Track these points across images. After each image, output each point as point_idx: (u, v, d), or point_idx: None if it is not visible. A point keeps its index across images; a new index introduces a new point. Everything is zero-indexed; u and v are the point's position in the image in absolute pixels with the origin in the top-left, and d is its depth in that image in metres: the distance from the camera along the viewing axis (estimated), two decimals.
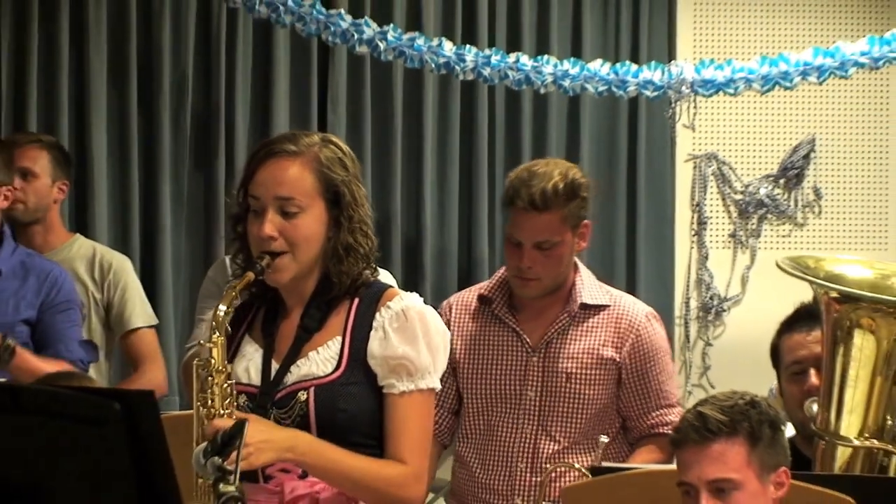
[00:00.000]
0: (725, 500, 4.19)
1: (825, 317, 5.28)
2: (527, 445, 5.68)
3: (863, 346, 5.19)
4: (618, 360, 5.68)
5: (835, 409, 5.24)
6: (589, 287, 5.78)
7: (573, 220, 5.64)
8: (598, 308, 5.74)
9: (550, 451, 5.65)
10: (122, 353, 6.82)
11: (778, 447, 4.30)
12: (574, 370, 5.65)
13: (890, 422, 5.23)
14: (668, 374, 5.82)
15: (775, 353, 5.69)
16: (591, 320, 5.73)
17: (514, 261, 5.69)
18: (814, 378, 5.39)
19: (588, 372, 5.66)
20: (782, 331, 5.65)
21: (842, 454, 5.20)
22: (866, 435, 5.19)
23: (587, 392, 5.64)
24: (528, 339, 5.71)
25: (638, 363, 5.71)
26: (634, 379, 5.70)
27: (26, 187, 6.64)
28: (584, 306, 5.72)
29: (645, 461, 5.61)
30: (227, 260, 5.29)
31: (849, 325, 5.21)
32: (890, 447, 5.15)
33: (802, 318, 5.57)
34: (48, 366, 5.99)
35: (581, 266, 5.83)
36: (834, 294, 5.25)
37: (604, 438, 5.46)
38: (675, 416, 5.63)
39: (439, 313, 5.20)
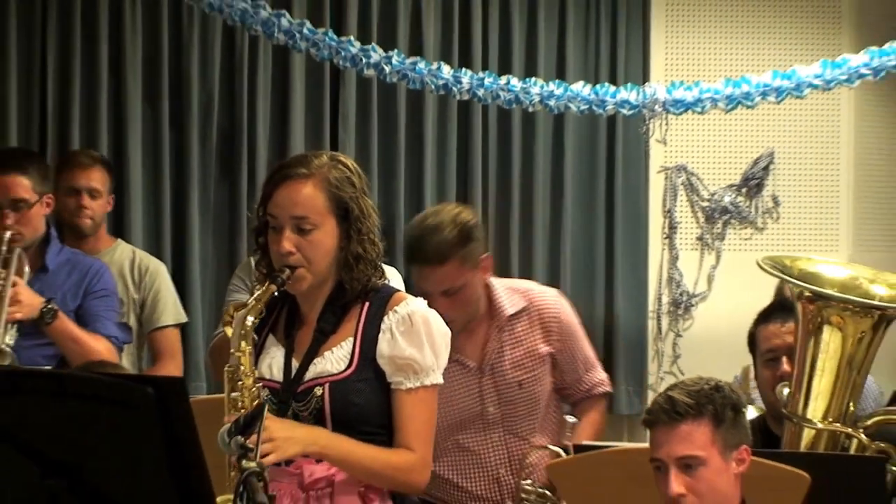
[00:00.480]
0: (692, 475, 4.15)
1: (799, 312, 5.30)
2: (500, 452, 5.63)
3: (831, 341, 5.20)
4: (553, 350, 5.64)
5: (803, 395, 5.24)
6: (506, 298, 5.64)
7: (472, 262, 5.45)
8: (520, 313, 5.64)
9: (521, 448, 5.59)
10: (148, 348, 6.74)
11: (740, 427, 4.25)
12: (524, 377, 5.59)
13: (852, 408, 5.23)
14: (584, 340, 5.76)
15: (752, 340, 5.68)
16: (518, 326, 5.63)
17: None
18: (786, 365, 5.40)
19: (534, 373, 5.61)
20: (759, 321, 5.65)
21: (807, 435, 5.23)
22: (830, 419, 5.19)
23: (538, 389, 5.60)
24: (470, 364, 5.57)
25: (566, 344, 5.66)
26: (566, 357, 5.68)
27: (93, 205, 6.63)
28: (510, 317, 5.61)
29: (594, 423, 5.69)
30: (252, 260, 5.32)
31: (820, 321, 5.22)
32: (850, 430, 5.15)
33: (778, 310, 5.61)
34: (85, 335, 6.00)
35: (491, 281, 5.68)
36: (808, 293, 5.26)
37: (570, 419, 5.46)
38: (600, 373, 5.76)
39: None
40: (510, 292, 5.69)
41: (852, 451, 5.17)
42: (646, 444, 4.42)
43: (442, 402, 5.16)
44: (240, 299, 5.28)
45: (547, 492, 5.47)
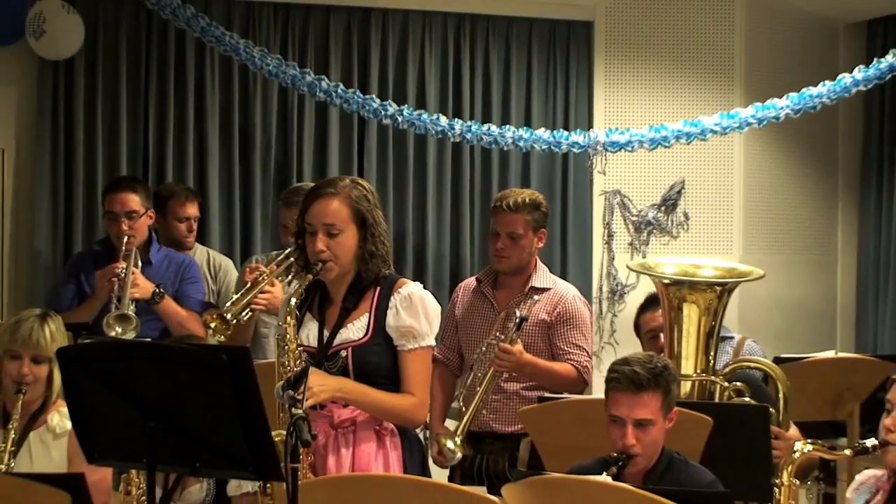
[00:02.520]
0: (643, 432, 4.18)
1: (663, 298, 5.38)
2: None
3: (689, 313, 5.26)
4: (548, 320, 5.73)
5: (676, 357, 5.25)
6: (540, 276, 5.83)
7: (534, 224, 5.76)
8: (544, 289, 5.78)
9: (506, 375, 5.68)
10: None
11: (675, 396, 4.31)
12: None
13: (712, 362, 5.27)
14: (582, 333, 5.79)
15: (637, 327, 5.88)
16: (539, 301, 5.75)
17: (493, 245, 5.81)
18: (662, 340, 5.43)
19: (531, 328, 5.69)
20: (639, 312, 5.90)
21: (684, 385, 5.21)
22: (698, 371, 5.23)
23: (527, 340, 5.66)
24: (496, 304, 5.79)
25: (561, 321, 5.73)
26: (560, 329, 5.73)
27: (193, 226, 6.80)
28: (534, 289, 5.77)
29: (562, 370, 5.71)
30: (257, 258, 5.94)
31: (678, 301, 5.27)
32: (713, 378, 5.20)
33: (651, 302, 5.73)
34: (183, 312, 6.08)
35: (539, 263, 5.92)
36: (665, 281, 5.37)
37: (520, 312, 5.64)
38: (584, 358, 5.75)
39: (455, 291, 5.74)
40: (547, 276, 5.92)
41: (717, 395, 5.18)
42: (599, 397, 4.41)
43: (469, 325, 5.88)
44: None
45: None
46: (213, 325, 5.40)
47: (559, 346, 5.75)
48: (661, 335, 5.47)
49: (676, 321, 5.30)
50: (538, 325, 5.76)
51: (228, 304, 5.43)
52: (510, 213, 5.79)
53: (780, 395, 5.07)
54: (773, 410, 4.37)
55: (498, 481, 5.57)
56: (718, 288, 5.31)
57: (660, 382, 4.22)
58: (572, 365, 5.72)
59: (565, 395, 5.51)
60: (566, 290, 5.90)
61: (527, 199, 5.84)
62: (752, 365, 5.24)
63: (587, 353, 5.81)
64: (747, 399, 5.06)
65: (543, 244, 5.98)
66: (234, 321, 5.45)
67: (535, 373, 5.67)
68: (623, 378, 4.24)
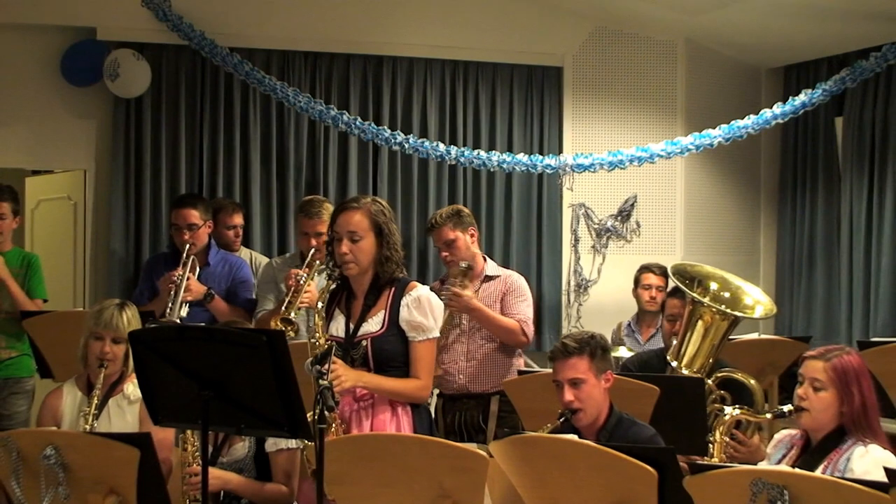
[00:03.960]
0: (578, 389, 4.19)
1: (687, 305, 5.23)
2: (463, 346, 5.74)
3: (701, 329, 5.15)
4: (503, 294, 5.72)
5: (681, 355, 5.17)
6: (491, 267, 5.81)
7: (461, 227, 5.74)
8: (494, 277, 5.77)
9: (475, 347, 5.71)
10: None
11: (606, 360, 4.28)
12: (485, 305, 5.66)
13: (710, 364, 5.13)
14: (525, 302, 5.74)
15: (663, 305, 5.74)
16: (492, 284, 5.74)
17: (441, 256, 5.87)
18: (678, 325, 5.31)
19: (490, 305, 5.67)
20: (669, 294, 5.70)
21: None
22: (694, 369, 5.11)
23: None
24: None
25: (509, 293, 5.71)
26: (508, 300, 5.70)
27: (239, 233, 6.78)
28: (487, 277, 5.76)
29: (506, 323, 5.67)
30: (274, 261, 5.99)
31: (697, 317, 5.16)
32: (707, 381, 5.00)
33: (678, 291, 5.44)
34: (229, 308, 6.05)
35: (486, 258, 5.89)
36: (691, 298, 5.19)
37: (463, 264, 5.68)
38: (522, 315, 5.69)
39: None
40: (495, 267, 5.87)
41: (706, 396, 4.98)
42: None
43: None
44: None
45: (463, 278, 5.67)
46: (279, 326, 5.31)
47: (508, 309, 5.72)
48: (678, 322, 5.34)
49: (692, 329, 5.17)
50: (495, 303, 5.72)
51: (283, 308, 5.39)
52: (438, 228, 5.76)
53: (755, 403, 5.00)
54: (746, 416, 4.29)
55: (474, 431, 5.69)
56: (733, 317, 5.16)
57: (584, 349, 4.22)
58: (516, 320, 5.69)
59: (538, 368, 5.57)
60: (511, 274, 5.88)
61: (444, 213, 5.81)
62: (738, 377, 5.10)
63: (528, 316, 5.75)
64: (727, 406, 4.91)
65: (476, 238, 5.86)
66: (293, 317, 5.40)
67: (482, 317, 5.66)
68: (556, 350, 4.27)
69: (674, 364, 5.18)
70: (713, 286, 5.31)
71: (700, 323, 5.16)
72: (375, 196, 4.49)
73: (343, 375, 4.05)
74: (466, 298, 5.60)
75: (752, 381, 5.08)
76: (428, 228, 5.86)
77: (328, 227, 4.41)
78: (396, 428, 4.23)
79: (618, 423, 4.24)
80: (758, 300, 5.41)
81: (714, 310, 5.13)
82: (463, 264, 5.68)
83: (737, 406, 4.29)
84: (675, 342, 5.25)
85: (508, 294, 5.74)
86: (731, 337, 6.25)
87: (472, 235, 5.80)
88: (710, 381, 5.05)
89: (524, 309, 5.74)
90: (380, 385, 4.22)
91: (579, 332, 4.40)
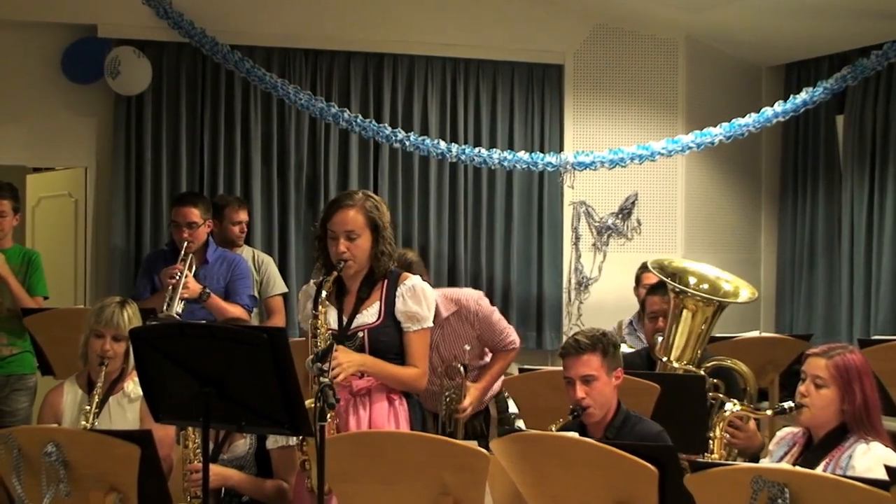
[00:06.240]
0: (589, 386, 4.17)
1: (671, 298, 5.20)
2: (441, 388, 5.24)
3: (687, 318, 5.13)
4: (472, 332, 5.23)
5: (669, 347, 5.15)
6: (441, 304, 5.05)
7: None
8: (451, 315, 5.22)
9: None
10: (265, 309, 6.66)
11: (617, 357, 4.26)
12: (458, 352, 5.21)
13: (699, 354, 5.12)
14: (498, 323, 5.30)
15: (643, 303, 5.65)
16: (454, 323, 5.23)
17: None
18: (660, 322, 5.28)
19: (457, 341, 5.23)
20: (649, 292, 5.54)
21: (670, 370, 5.12)
22: (684, 362, 5.09)
23: (461, 342, 5.23)
24: None
25: (482, 327, 5.23)
26: (486, 334, 5.24)
27: (244, 229, 6.75)
28: (444, 320, 5.16)
29: (502, 364, 5.35)
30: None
31: (682, 307, 5.14)
32: (695, 370, 5.02)
33: (659, 287, 5.41)
34: (227, 306, 6.01)
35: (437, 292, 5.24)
36: (675, 289, 5.17)
37: (467, 347, 5.19)
38: (510, 336, 5.32)
39: None
40: (443, 300, 5.17)
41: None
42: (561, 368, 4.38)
43: None
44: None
45: (457, 390, 5.24)
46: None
47: (490, 343, 5.36)
48: (661, 319, 5.30)
49: (677, 320, 5.16)
50: (464, 339, 5.27)
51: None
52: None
53: (748, 391, 5.01)
54: (747, 412, 4.26)
55: (476, 440, 5.35)
56: (717, 303, 5.15)
57: (596, 345, 4.21)
58: (506, 351, 5.36)
59: (540, 367, 5.50)
60: (468, 302, 5.29)
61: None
62: (728, 364, 5.12)
63: (506, 331, 5.36)
64: (721, 393, 4.95)
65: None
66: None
67: (488, 385, 5.34)
68: (568, 346, 4.25)
69: (664, 359, 5.17)
70: (692, 280, 5.30)
71: (685, 313, 5.14)
72: (368, 191, 4.44)
73: (345, 362, 4.03)
74: (469, 406, 5.22)
75: (744, 367, 5.08)
76: None
77: (319, 223, 4.33)
78: (395, 419, 4.23)
79: (625, 421, 4.24)
80: (738, 286, 5.39)
81: (698, 298, 5.13)
82: (459, 364, 5.21)
83: (737, 402, 4.27)
84: (660, 339, 5.23)
85: (484, 333, 5.31)
86: (731, 335, 6.29)
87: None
88: (699, 370, 5.07)
89: (500, 330, 5.37)
90: (382, 369, 4.20)
91: (590, 329, 4.37)
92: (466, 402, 5.23)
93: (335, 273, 4.20)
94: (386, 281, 4.29)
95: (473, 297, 5.32)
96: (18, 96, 7.36)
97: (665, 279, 5.23)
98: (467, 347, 5.24)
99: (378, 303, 4.26)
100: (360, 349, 4.21)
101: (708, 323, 5.15)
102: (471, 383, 5.29)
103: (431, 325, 4.32)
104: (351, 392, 4.23)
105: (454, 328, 5.28)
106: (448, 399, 5.26)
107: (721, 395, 4.92)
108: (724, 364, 5.12)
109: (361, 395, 4.24)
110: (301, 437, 4.09)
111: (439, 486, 3.27)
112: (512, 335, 5.39)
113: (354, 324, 4.24)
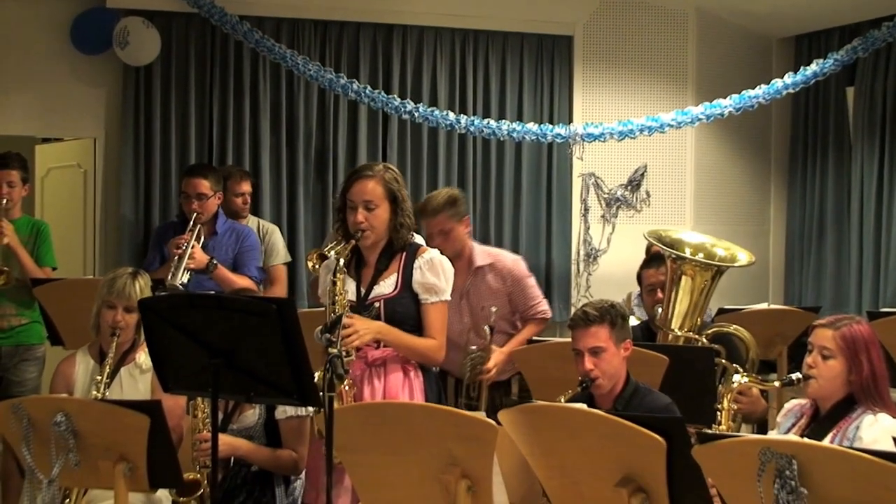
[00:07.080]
0: (598, 358, 4.20)
1: (667, 266, 5.26)
2: (467, 343, 5.50)
3: (686, 285, 5.17)
4: (503, 289, 5.53)
5: (670, 314, 5.21)
6: (479, 254, 5.56)
7: (457, 217, 5.50)
8: (486, 266, 5.55)
9: (479, 343, 5.47)
10: (267, 277, 6.62)
11: (625, 329, 4.28)
12: (484, 304, 5.47)
13: (698, 322, 5.18)
14: (531, 289, 5.59)
15: (639, 278, 5.64)
16: (488, 275, 5.54)
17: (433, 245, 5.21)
18: (659, 294, 5.35)
19: (493, 301, 5.47)
20: (644, 266, 5.61)
21: (672, 338, 5.19)
22: (686, 329, 5.15)
23: (489, 303, 5.47)
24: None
25: (514, 287, 5.54)
26: (517, 296, 5.54)
27: (247, 200, 6.71)
28: (478, 268, 5.54)
29: (530, 332, 5.55)
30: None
31: (680, 273, 5.19)
32: (697, 336, 5.10)
33: (654, 259, 5.52)
34: (234, 277, 6.05)
35: (475, 244, 5.63)
36: (672, 255, 5.23)
37: (493, 308, 5.38)
38: (542, 305, 5.57)
39: None
40: (483, 251, 5.62)
41: None
42: (569, 340, 4.41)
43: None
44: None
45: (482, 352, 5.40)
46: (311, 263, 5.60)
47: (521, 307, 5.59)
48: (659, 290, 5.36)
49: (675, 287, 5.19)
50: (494, 293, 5.54)
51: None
52: (433, 218, 5.48)
53: (749, 357, 5.02)
54: (755, 383, 4.27)
55: (496, 412, 5.53)
56: (715, 268, 5.19)
57: (605, 317, 4.21)
58: (536, 319, 5.60)
59: (548, 338, 5.50)
60: (505, 260, 5.64)
61: (440, 203, 5.50)
62: (730, 330, 5.14)
63: (538, 298, 5.63)
64: (722, 359, 4.98)
65: (470, 228, 5.65)
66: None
67: (513, 351, 5.41)
68: (576, 318, 4.27)
69: (666, 329, 5.19)
70: (687, 251, 5.33)
71: (684, 279, 5.17)
72: (388, 163, 4.45)
73: (361, 329, 4.04)
74: (494, 368, 5.41)
75: (745, 333, 5.10)
76: (420, 211, 5.42)
77: (340, 194, 4.36)
78: (409, 391, 4.23)
79: (634, 392, 4.24)
80: (734, 252, 5.42)
81: (696, 264, 5.16)
82: (487, 326, 5.38)
83: (744, 374, 4.27)
84: (659, 310, 5.26)
85: (514, 294, 5.56)
86: (740, 307, 6.29)
87: (465, 225, 5.58)
88: (701, 337, 5.08)
89: (533, 295, 5.59)
90: (398, 338, 4.20)
91: (599, 300, 4.38)
92: (491, 363, 5.37)
93: (353, 242, 4.20)
94: (405, 253, 4.29)
95: (511, 257, 5.72)
96: (27, 67, 7.35)
97: (663, 248, 5.26)
98: (494, 309, 5.36)
99: (395, 274, 4.26)
100: (377, 318, 4.21)
101: (707, 287, 5.18)
102: (496, 347, 5.43)
103: (449, 297, 4.31)
104: (366, 362, 4.24)
105: (486, 280, 5.50)
106: (472, 362, 5.35)
107: (723, 361, 4.95)
108: (726, 330, 5.14)
109: (377, 365, 4.25)
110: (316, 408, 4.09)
111: (447, 457, 3.27)
112: (543, 304, 5.61)
113: (372, 295, 4.25)
